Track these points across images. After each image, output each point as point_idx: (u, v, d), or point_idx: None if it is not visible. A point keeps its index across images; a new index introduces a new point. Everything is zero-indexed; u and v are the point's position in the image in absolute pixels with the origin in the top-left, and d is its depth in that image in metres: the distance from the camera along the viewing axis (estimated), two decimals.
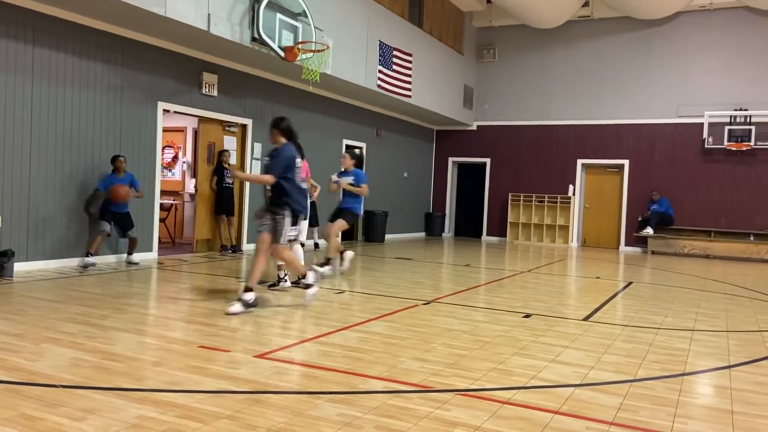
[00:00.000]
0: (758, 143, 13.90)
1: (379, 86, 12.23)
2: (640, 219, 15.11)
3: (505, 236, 16.70)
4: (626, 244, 15.49)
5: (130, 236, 8.21)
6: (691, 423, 3.12)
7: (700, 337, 5.26)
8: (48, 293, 5.99)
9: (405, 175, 16.16)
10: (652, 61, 15.12)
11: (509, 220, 16.56)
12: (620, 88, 15.41)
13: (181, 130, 12.49)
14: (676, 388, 3.73)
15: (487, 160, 17.06)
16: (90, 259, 7.72)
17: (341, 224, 7.99)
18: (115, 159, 8.03)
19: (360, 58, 11.66)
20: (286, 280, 6.81)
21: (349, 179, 8.01)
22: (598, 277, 9.41)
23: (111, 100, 8.32)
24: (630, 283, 8.90)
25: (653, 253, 14.60)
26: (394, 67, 12.75)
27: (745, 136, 14.02)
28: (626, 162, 15.44)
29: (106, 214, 7.95)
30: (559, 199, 16.05)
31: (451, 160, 17.64)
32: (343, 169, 8.23)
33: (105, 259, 8.31)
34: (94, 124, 8.11)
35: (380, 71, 12.27)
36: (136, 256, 8.43)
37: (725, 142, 14.17)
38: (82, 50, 7.88)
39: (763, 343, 5.10)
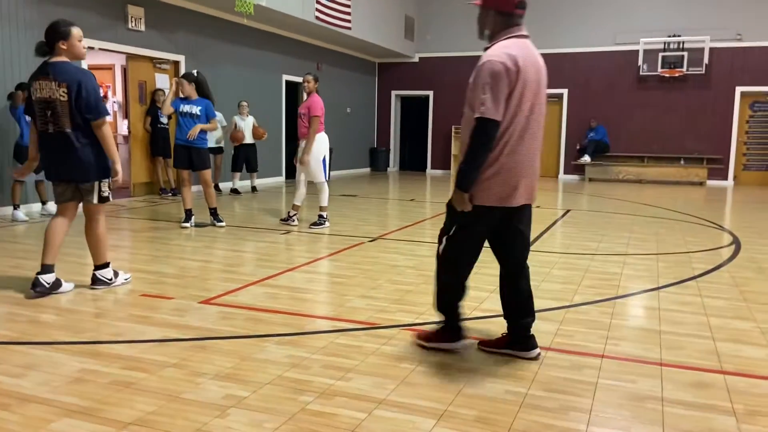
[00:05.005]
0: (690, 69, 14.29)
1: (317, 18, 11.81)
2: (578, 147, 15.49)
3: (449, 169, 16.85)
4: (565, 173, 15.91)
5: (39, 179, 7.43)
6: (622, 344, 3.32)
7: (631, 261, 5.52)
8: None
9: (348, 110, 15.92)
10: None
11: (453, 152, 16.67)
12: (560, 16, 15.39)
13: (109, 68, 11.84)
14: (608, 311, 3.93)
15: (430, 93, 16.95)
16: (21, 214, 7.27)
17: (209, 173, 6.97)
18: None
19: None
20: (294, 220, 7.21)
21: (196, 109, 6.69)
22: (538, 206, 9.67)
23: (27, 37, 7.74)
24: (568, 210, 9.20)
25: (590, 180, 15.08)
26: None
27: (677, 63, 14.37)
28: (565, 91, 15.65)
29: (22, 154, 7.03)
30: None
31: (393, 93, 17.45)
32: (183, 96, 6.83)
33: (34, 207, 7.93)
34: (12, 63, 7.56)
35: (318, 2, 11.82)
36: (53, 205, 7.77)
37: (659, 69, 14.50)
38: None
39: (690, 264, 5.40)
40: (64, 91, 3.90)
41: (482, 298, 4.18)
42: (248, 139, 10.47)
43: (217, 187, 10.81)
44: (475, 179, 2.80)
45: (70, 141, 3.96)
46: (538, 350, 3.08)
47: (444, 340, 3.14)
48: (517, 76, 2.74)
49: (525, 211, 3.01)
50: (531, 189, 2.93)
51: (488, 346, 3.16)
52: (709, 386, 2.78)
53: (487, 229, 2.97)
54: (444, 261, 3.04)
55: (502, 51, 2.78)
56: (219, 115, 9.95)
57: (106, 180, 4.13)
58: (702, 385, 2.79)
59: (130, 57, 9.58)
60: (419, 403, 2.55)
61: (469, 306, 3.97)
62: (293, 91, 13.70)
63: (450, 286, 3.08)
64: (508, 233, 3.01)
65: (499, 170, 2.80)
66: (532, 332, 3.12)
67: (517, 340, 3.09)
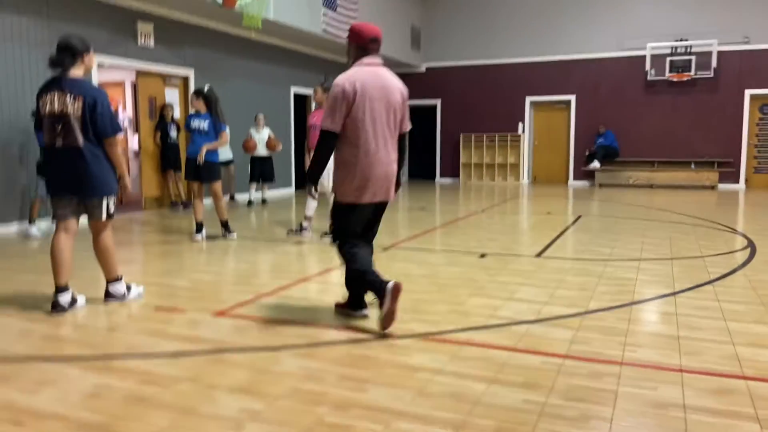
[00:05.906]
0: (698, 73, 14.22)
1: (324, 30, 11.88)
2: (587, 153, 15.43)
3: (458, 177, 16.83)
4: (575, 179, 15.84)
5: None
6: (641, 350, 3.27)
7: (646, 266, 5.47)
8: None
9: None
10: None
11: (462, 160, 16.66)
12: (566, 22, 15.39)
13: (120, 84, 11.95)
14: (625, 317, 3.88)
15: (437, 102, 16.97)
16: (35, 230, 7.31)
17: (219, 186, 6.93)
18: None
19: (302, 1, 11.24)
20: (307, 230, 7.15)
21: (203, 124, 6.72)
22: (549, 213, 9.62)
23: (39, 55, 7.82)
24: (579, 216, 9.14)
25: (600, 185, 14.99)
26: (339, 8, 12.37)
27: (685, 67, 14.32)
28: (573, 97, 15.61)
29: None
30: (509, 138, 16.18)
31: None
32: (194, 111, 6.88)
33: (42, 223, 7.98)
34: (23, 82, 7.64)
35: (325, 14, 11.89)
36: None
37: (667, 74, 14.44)
38: (2, 2, 7.33)
39: (705, 268, 5.34)
40: (79, 106, 3.89)
41: (497, 306, 4.14)
42: (262, 152, 10.47)
43: (232, 197, 10.91)
44: (319, 174, 3.63)
45: (82, 155, 3.94)
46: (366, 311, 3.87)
47: (351, 308, 3.89)
48: (354, 96, 3.45)
49: (380, 207, 3.78)
50: (385, 189, 3.69)
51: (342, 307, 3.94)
52: (731, 392, 2.72)
53: (357, 220, 3.69)
54: (343, 255, 3.73)
55: (345, 77, 3.50)
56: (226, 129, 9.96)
57: (113, 196, 4.14)
58: (724, 391, 2.74)
59: (141, 73, 9.66)
60: (437, 414, 2.52)
61: (484, 314, 3.95)
62: (302, 103, 13.77)
63: (354, 271, 3.69)
64: (368, 223, 3.80)
65: (355, 174, 3.54)
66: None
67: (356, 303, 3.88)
